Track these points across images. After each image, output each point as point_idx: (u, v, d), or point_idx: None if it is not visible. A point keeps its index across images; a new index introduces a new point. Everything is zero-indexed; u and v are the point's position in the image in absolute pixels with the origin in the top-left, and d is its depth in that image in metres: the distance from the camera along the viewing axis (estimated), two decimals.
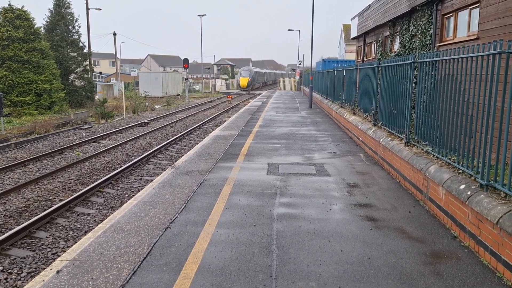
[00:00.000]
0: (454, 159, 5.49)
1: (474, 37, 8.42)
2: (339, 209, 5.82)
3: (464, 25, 9.39)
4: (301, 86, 47.75)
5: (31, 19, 26.42)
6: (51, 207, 8.26)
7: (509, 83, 4.16)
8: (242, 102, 38.58)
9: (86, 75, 33.78)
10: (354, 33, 22.27)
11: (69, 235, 7.05)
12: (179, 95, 52.30)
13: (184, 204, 6.03)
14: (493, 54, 4.40)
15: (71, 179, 10.47)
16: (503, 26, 7.30)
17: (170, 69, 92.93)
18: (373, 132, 9.54)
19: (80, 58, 33.46)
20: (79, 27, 34.02)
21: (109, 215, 7.56)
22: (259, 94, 49.73)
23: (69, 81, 32.34)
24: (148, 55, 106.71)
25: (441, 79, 6.00)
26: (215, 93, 60.68)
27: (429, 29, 11.20)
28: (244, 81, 56.79)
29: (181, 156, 11.66)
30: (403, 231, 5.01)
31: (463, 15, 9.51)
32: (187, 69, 47.64)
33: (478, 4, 8.46)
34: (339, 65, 24.43)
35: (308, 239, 4.77)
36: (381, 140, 8.61)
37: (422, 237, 4.81)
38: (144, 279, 3.84)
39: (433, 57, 6.30)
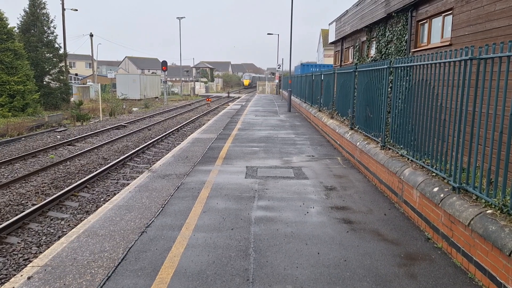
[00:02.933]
0: (428, 163, 5.61)
1: (447, 43, 8.64)
2: (317, 212, 5.86)
3: (438, 31, 9.63)
4: (280, 90, 48.01)
5: (4, 19, 25.73)
6: (23, 211, 8.04)
7: (480, 89, 4.29)
8: (222, 105, 38.50)
9: (61, 77, 33.05)
10: (332, 38, 22.54)
11: (42, 240, 6.87)
12: (157, 97, 51.79)
13: (161, 208, 5.96)
14: (465, 60, 4.52)
15: (45, 183, 10.22)
16: (475, 33, 7.52)
17: (149, 71, 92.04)
18: (350, 136, 9.66)
19: (55, 59, 32.71)
20: (55, 28, 33.27)
21: (83, 220, 7.40)
22: (238, 98, 49.75)
23: (44, 82, 31.59)
24: (125, 57, 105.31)
25: (415, 84, 6.13)
26: (194, 96, 60.39)
27: (404, 35, 11.43)
28: (246, 82, 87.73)
29: (159, 160, 11.53)
30: (378, 233, 5.08)
31: (437, 22, 9.75)
32: (166, 72, 47.23)
33: (451, 12, 8.69)
34: (317, 70, 24.67)
35: (285, 242, 4.78)
36: (358, 143, 8.72)
37: (397, 239, 4.89)
38: (118, 284, 3.77)
39: (408, 63, 6.43)
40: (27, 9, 31.68)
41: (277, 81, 53.46)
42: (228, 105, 36.31)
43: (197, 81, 76.55)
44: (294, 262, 4.25)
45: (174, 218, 5.54)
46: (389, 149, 7.25)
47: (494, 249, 3.60)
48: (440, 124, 5.19)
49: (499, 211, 3.84)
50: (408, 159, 6.31)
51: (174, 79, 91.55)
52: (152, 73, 78.22)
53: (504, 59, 3.90)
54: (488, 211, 3.93)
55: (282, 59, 44.63)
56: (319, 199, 6.50)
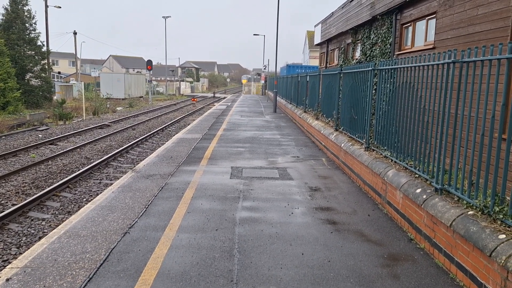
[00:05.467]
0: (411, 164, 5.67)
1: (431, 46, 8.76)
2: (301, 213, 5.87)
3: (422, 34, 9.75)
4: (266, 91, 48.06)
5: None
6: (3, 211, 7.86)
7: (462, 91, 4.35)
8: (207, 106, 38.37)
9: (43, 75, 32.47)
10: (317, 39, 22.65)
11: (22, 241, 6.73)
12: (142, 97, 51.32)
13: (145, 209, 5.90)
14: (448, 63, 4.58)
15: (25, 183, 10.02)
16: (458, 37, 7.63)
17: (133, 70, 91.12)
18: (335, 137, 9.71)
19: (37, 57, 32.13)
20: (36, 24, 32.74)
21: (65, 220, 7.28)
22: (224, 98, 49.65)
23: (25, 80, 30.98)
24: (110, 55, 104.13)
25: (399, 86, 6.19)
26: (180, 96, 60.06)
27: (389, 38, 11.55)
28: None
29: (143, 159, 11.42)
30: (362, 234, 5.12)
31: (420, 25, 9.87)
32: (151, 71, 46.83)
33: (434, 15, 8.81)
34: (303, 71, 24.78)
35: (270, 242, 4.77)
36: (343, 145, 8.78)
37: (380, 240, 4.93)
38: (100, 286, 3.71)
39: (392, 65, 6.50)
40: (8, 6, 31.07)
41: (263, 82, 53.52)
42: (214, 105, 36.21)
43: (183, 81, 76.14)
44: (279, 263, 4.24)
45: (158, 219, 5.48)
46: (373, 150, 7.31)
47: (475, 249, 3.66)
48: (423, 126, 5.26)
49: (480, 212, 3.90)
50: (392, 160, 6.37)
51: (159, 78, 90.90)
52: (137, 72, 77.48)
53: (486, 62, 3.97)
54: (469, 212, 3.98)
55: (268, 60, 44.79)
56: (303, 200, 6.51)
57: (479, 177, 4.01)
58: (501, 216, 3.61)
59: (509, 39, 6.01)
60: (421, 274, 4.09)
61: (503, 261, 3.22)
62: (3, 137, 17.41)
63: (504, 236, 3.41)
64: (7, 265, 5.58)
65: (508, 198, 3.68)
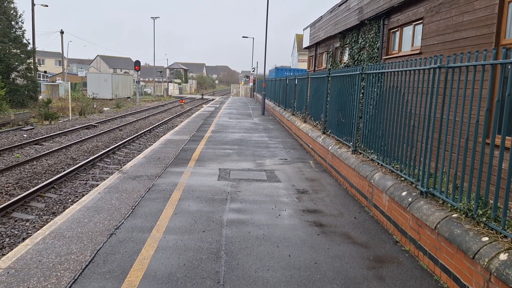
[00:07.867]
0: (397, 167, 5.74)
1: (417, 51, 8.87)
2: (288, 215, 5.89)
3: (409, 40, 9.87)
4: (255, 93, 48.13)
5: None
6: None
7: (448, 96, 4.43)
8: (195, 107, 38.24)
9: (29, 74, 32.04)
10: (306, 43, 22.76)
11: (5, 242, 6.62)
12: (129, 98, 50.96)
13: (131, 210, 5.85)
14: (434, 68, 4.66)
15: (9, 183, 9.86)
16: (444, 42, 7.75)
17: (121, 71, 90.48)
18: (322, 140, 9.77)
19: (23, 55, 31.70)
20: (23, 23, 32.27)
21: (50, 221, 7.18)
22: (212, 100, 49.56)
23: (11, 79, 30.53)
24: (97, 55, 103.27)
25: (386, 90, 6.26)
26: (168, 97, 59.78)
27: (376, 43, 11.68)
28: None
29: (130, 161, 11.33)
30: (348, 236, 5.16)
31: (407, 30, 10.00)
32: (139, 72, 46.51)
33: (421, 21, 8.94)
34: (291, 74, 24.87)
35: (257, 244, 4.78)
36: (330, 147, 8.83)
37: (366, 242, 4.97)
38: (85, 287, 3.67)
39: (379, 69, 6.57)
40: None
41: (251, 84, 53.58)
42: (202, 107, 36.10)
43: (171, 82, 75.84)
44: (265, 265, 4.25)
45: (145, 220, 5.45)
46: (360, 153, 7.37)
47: (459, 252, 3.71)
48: (409, 130, 5.33)
49: (464, 215, 3.97)
50: (378, 163, 6.44)
51: (147, 79, 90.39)
52: (125, 72, 76.95)
53: (470, 68, 4.04)
54: (453, 215, 4.05)
55: (257, 62, 44.98)
56: (291, 202, 6.54)
57: (463, 180, 4.08)
58: (485, 219, 3.68)
59: (494, 45, 6.13)
60: (406, 276, 4.14)
61: (486, 263, 3.27)
62: None
63: (487, 238, 3.48)
64: None
65: (491, 201, 3.75)
